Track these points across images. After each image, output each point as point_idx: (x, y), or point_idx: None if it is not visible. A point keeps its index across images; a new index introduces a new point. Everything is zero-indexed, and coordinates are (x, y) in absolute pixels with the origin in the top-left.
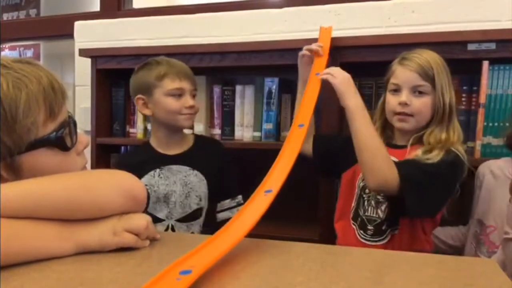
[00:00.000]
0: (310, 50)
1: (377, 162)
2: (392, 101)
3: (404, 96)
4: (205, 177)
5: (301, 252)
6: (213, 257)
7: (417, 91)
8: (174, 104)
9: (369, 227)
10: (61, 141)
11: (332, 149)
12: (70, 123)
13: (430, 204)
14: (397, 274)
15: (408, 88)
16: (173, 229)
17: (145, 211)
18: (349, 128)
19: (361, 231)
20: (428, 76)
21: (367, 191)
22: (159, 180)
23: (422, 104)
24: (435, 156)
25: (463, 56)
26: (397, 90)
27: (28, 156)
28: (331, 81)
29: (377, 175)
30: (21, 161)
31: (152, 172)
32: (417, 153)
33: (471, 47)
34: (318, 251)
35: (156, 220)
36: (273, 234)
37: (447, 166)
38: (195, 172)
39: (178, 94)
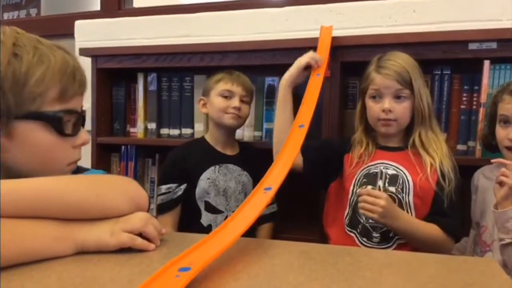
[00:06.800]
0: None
1: (439, 247)
2: (374, 108)
3: (387, 103)
4: (252, 178)
5: (302, 252)
6: (212, 254)
7: (397, 96)
8: (221, 103)
9: (375, 234)
10: (58, 122)
11: (322, 157)
12: (78, 115)
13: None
14: (397, 274)
15: (390, 95)
16: None
17: (206, 203)
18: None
19: (364, 239)
20: (406, 82)
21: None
22: (219, 175)
23: (403, 109)
24: (450, 183)
25: (464, 56)
26: (377, 97)
27: (24, 125)
28: (372, 217)
29: (439, 251)
30: (16, 126)
31: (213, 168)
32: (433, 183)
33: (472, 46)
34: (319, 251)
35: (217, 211)
36: (274, 234)
37: (460, 186)
38: (245, 173)
39: (227, 95)
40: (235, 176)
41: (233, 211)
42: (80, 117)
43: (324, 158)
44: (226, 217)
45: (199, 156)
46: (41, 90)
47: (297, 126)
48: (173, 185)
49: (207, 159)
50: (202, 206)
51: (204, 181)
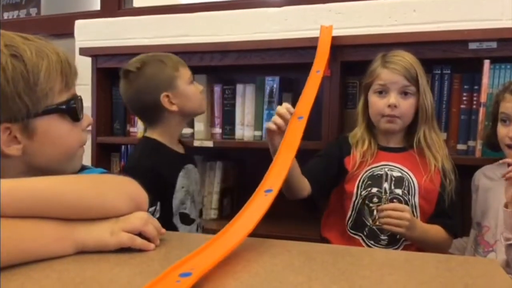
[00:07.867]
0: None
1: (441, 246)
2: (379, 103)
3: (393, 98)
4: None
5: (302, 251)
6: (214, 259)
7: (403, 92)
8: (197, 91)
9: (383, 237)
10: (73, 110)
11: (327, 175)
12: (81, 99)
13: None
14: (398, 274)
15: (396, 90)
16: (202, 228)
17: (181, 215)
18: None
19: (372, 242)
20: (413, 78)
21: (375, 200)
22: (187, 180)
23: (409, 105)
24: (450, 183)
25: (464, 55)
26: (382, 92)
27: (42, 121)
28: (397, 231)
29: (440, 251)
30: (36, 125)
31: (181, 173)
32: (437, 184)
33: (472, 46)
34: (319, 251)
35: (190, 222)
36: (274, 233)
37: (459, 186)
38: (196, 169)
39: (192, 80)
40: (194, 177)
41: (199, 217)
42: (82, 101)
43: (330, 175)
44: (197, 225)
45: (168, 164)
46: (51, 85)
47: (296, 118)
48: (154, 207)
49: (174, 164)
50: (177, 220)
51: (180, 192)
